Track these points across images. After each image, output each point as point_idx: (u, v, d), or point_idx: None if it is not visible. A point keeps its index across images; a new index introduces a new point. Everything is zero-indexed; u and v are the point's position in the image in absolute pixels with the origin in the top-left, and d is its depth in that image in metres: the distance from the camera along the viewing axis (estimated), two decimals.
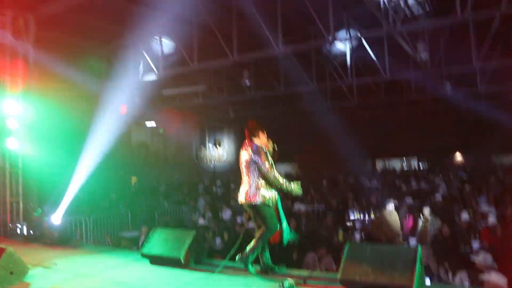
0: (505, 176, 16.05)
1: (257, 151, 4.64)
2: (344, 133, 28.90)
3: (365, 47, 13.18)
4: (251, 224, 5.64)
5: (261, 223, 4.71)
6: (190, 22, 10.73)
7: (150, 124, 21.80)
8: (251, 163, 4.66)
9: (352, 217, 11.27)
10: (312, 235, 8.45)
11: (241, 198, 4.77)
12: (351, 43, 12.12)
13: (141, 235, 9.11)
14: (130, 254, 5.80)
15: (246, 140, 4.84)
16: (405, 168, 27.92)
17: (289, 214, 10.98)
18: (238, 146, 4.94)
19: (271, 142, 4.89)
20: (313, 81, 14.61)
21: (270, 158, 4.73)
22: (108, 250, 6.29)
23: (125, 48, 12.58)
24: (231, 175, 23.40)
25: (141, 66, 12.12)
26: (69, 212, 10.91)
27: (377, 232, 8.78)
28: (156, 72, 12.09)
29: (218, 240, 9.17)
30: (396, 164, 30.18)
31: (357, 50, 14.21)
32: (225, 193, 16.76)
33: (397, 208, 9.77)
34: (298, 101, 20.32)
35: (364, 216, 11.31)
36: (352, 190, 14.99)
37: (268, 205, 4.68)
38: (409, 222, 9.14)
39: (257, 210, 4.68)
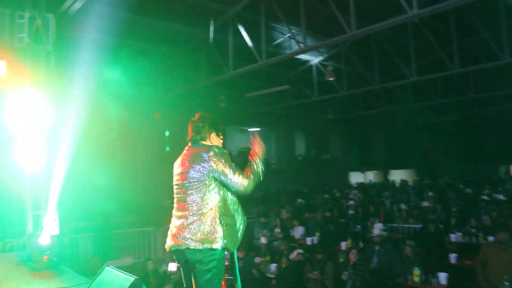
0: None
1: (215, 156, 2.91)
2: (467, 133, 24.83)
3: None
4: None
5: None
6: None
7: (253, 129, 21.11)
8: (205, 181, 2.90)
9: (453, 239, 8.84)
10: (382, 272, 6.35)
11: (187, 238, 2.86)
12: None
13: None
14: None
15: (189, 144, 3.16)
16: None
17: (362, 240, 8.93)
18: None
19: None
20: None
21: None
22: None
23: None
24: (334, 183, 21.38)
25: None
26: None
27: (479, 272, 6.29)
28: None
29: None
30: None
31: None
32: (311, 205, 14.97)
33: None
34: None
35: (470, 242, 8.73)
36: (463, 204, 12.12)
37: (223, 256, 2.95)
38: None
39: (208, 264, 2.85)
